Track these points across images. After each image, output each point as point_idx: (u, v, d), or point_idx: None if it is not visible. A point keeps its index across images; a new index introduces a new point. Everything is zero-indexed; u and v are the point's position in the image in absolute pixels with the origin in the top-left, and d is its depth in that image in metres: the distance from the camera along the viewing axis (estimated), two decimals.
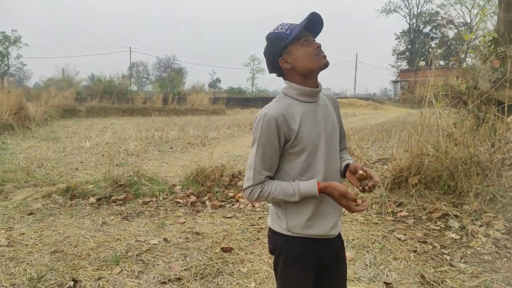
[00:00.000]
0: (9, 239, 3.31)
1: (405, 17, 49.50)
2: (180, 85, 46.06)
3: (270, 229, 1.51)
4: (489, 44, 4.79)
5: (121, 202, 4.34)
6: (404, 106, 32.50)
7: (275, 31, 1.40)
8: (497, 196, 3.72)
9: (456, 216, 3.72)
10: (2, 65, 48.73)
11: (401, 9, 49.53)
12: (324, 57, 1.39)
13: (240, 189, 4.61)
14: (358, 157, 5.14)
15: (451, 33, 44.58)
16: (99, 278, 2.67)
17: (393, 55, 50.42)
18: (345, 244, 3.24)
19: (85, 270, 2.78)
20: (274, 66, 1.44)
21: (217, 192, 4.56)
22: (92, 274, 2.72)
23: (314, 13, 1.35)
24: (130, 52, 44.86)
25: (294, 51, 1.37)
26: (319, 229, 1.43)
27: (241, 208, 4.27)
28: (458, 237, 3.41)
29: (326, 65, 1.39)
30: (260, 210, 4.22)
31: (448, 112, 4.34)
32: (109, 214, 4.04)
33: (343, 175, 1.54)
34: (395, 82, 42.67)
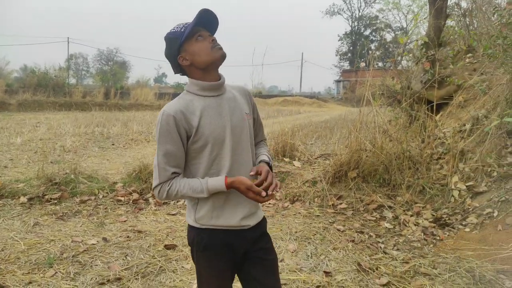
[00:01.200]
0: None
1: (348, 20, 51.79)
2: (124, 79, 44.19)
3: (188, 223, 1.53)
4: (421, 47, 5.17)
5: (55, 201, 4.08)
6: (346, 104, 34.07)
7: (171, 31, 1.43)
8: (426, 188, 4.04)
9: (390, 207, 3.98)
10: None
11: (344, 12, 51.77)
12: (220, 48, 1.41)
13: None
14: (302, 152, 5.30)
15: (388, 37, 47.51)
16: (30, 282, 2.49)
17: (336, 55, 52.55)
18: (288, 236, 3.35)
19: (13, 275, 2.58)
20: (176, 65, 1.46)
21: None
22: (22, 279, 2.53)
23: (204, 9, 1.39)
24: (68, 42, 42.10)
25: (190, 47, 1.40)
26: (228, 220, 1.44)
27: (186, 205, 4.20)
28: (391, 226, 3.65)
29: (223, 56, 1.42)
30: None
31: (384, 110, 4.61)
32: (42, 214, 3.78)
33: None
34: (338, 81, 44.52)
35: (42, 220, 3.62)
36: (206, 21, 1.42)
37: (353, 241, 3.28)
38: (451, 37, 5.73)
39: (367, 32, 50.95)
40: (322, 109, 28.14)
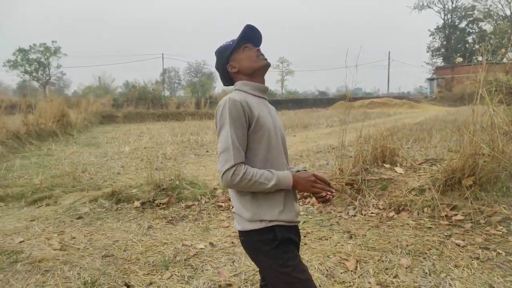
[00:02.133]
0: (61, 243, 3.39)
1: (439, 13, 47.74)
2: (211, 89, 46.67)
3: (243, 232, 1.50)
4: None
5: (164, 206, 4.37)
6: (441, 104, 31.31)
7: (221, 45, 1.61)
8: None
9: None
10: (44, 75, 51.32)
11: (435, 4, 47.84)
12: (265, 59, 1.57)
13: None
14: (403, 157, 4.92)
15: (489, 27, 42.54)
16: (151, 283, 2.67)
17: (427, 52, 48.74)
18: (399, 250, 3.10)
19: (136, 275, 2.79)
20: (225, 75, 1.61)
21: None
22: (143, 279, 2.72)
23: (248, 25, 1.54)
24: (163, 58, 45.92)
25: (237, 56, 1.56)
26: (289, 215, 1.48)
27: None
28: None
29: (267, 65, 1.58)
30: (304, 214, 4.11)
31: (503, 109, 4.05)
32: (154, 218, 4.07)
33: None
34: (430, 79, 41.12)
35: (154, 224, 3.90)
36: (252, 36, 1.59)
37: (477, 258, 2.90)
38: None
39: (462, 25, 46.34)
40: (414, 110, 26.23)
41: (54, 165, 7.34)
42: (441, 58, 46.99)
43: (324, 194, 1.47)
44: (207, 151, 9.45)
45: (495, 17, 41.65)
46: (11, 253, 3.16)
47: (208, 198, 4.54)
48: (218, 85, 55.67)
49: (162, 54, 46.29)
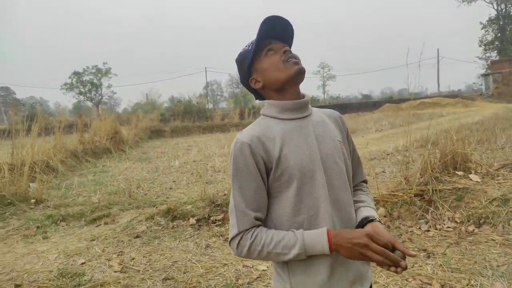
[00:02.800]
0: (121, 264, 3.35)
1: (491, 4, 44.84)
2: (253, 100, 46.97)
3: None
4: None
5: (219, 222, 4.24)
6: (499, 101, 29.12)
7: (240, 51, 1.21)
8: None
9: None
10: (96, 95, 54.50)
11: None
12: (296, 62, 1.12)
13: None
14: (478, 163, 4.43)
15: None
16: None
17: (480, 46, 45.77)
18: (490, 272, 2.70)
19: None
20: (250, 89, 1.25)
21: None
22: None
23: (269, 17, 1.12)
24: (206, 72, 47.00)
25: (259, 65, 1.16)
26: (341, 285, 1.09)
27: None
28: None
29: (299, 72, 1.12)
30: None
31: None
32: (210, 236, 3.95)
33: (358, 227, 1.16)
34: (485, 75, 38.51)
35: (211, 242, 3.77)
36: (277, 31, 1.16)
37: None
38: None
39: None
40: (470, 109, 24.56)
41: (109, 181, 7.54)
42: (496, 51, 43.96)
43: (385, 266, 0.98)
44: None
45: None
46: (74, 276, 3.15)
47: None
48: None
49: (205, 68, 47.44)
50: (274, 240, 1.05)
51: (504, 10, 44.02)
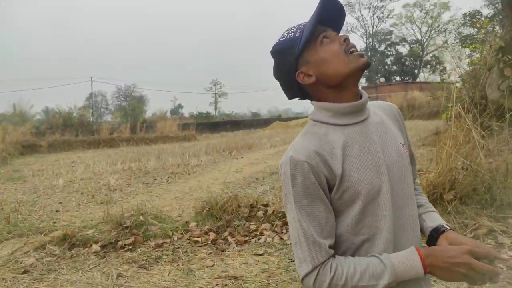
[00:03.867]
0: None
1: (362, 37, 51.93)
2: (142, 114, 44.83)
3: None
4: (496, 53, 4.81)
5: (130, 247, 3.76)
6: None
7: (281, 39, 1.02)
8: None
9: (503, 232, 3.52)
10: None
11: (358, 29, 51.94)
12: (361, 55, 0.96)
13: (261, 220, 4.17)
14: None
15: (404, 50, 47.30)
16: None
17: None
18: None
19: None
20: (292, 86, 1.03)
21: (237, 226, 4.09)
22: None
23: None
24: (92, 82, 43.05)
25: (313, 56, 0.97)
26: None
27: (269, 242, 3.83)
28: None
29: (366, 65, 0.95)
30: (290, 243, 3.79)
31: (477, 124, 4.21)
32: (120, 263, 3.45)
33: (430, 241, 1.04)
34: None
35: (123, 271, 3.29)
36: (331, 15, 0.98)
37: None
38: None
39: (382, 48, 50.90)
40: None
41: None
42: (364, 78, 50.91)
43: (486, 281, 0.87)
44: (155, 179, 8.75)
45: (408, 41, 46.45)
46: None
47: (181, 234, 4.02)
48: (149, 109, 53.80)
49: (91, 77, 43.42)
50: (359, 270, 0.88)
51: (371, 43, 51.38)
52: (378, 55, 47.39)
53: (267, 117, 42.75)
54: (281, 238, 3.88)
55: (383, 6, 47.55)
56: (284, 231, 4.02)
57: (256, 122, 34.43)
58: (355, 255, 0.95)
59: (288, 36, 1.00)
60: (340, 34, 1.00)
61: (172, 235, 3.98)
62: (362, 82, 49.68)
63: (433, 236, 1.03)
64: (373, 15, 48.96)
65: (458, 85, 5.87)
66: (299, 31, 0.98)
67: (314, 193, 0.91)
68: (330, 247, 0.92)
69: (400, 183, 0.98)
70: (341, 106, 0.98)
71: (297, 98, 1.07)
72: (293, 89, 1.04)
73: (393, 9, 47.49)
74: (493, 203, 3.83)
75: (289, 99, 1.08)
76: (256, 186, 7.22)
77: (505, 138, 4.31)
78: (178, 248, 3.76)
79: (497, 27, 6.64)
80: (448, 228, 1.03)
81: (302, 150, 0.92)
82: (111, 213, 4.30)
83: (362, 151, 0.96)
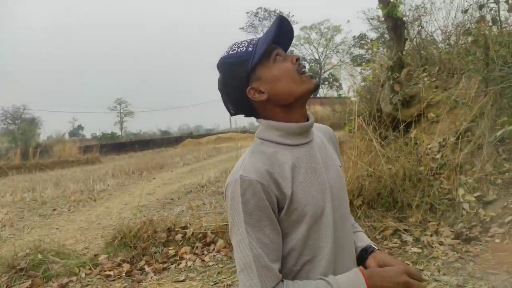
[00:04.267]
0: None
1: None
2: (35, 137, 40.34)
3: None
4: (387, 71, 5.38)
5: None
6: None
7: (230, 52, 0.97)
8: (434, 205, 4.03)
9: (406, 230, 3.87)
10: None
11: None
12: (312, 76, 0.97)
13: (180, 244, 3.96)
14: None
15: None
16: None
17: None
18: None
19: None
20: (239, 101, 0.98)
21: (155, 253, 3.81)
22: None
23: (282, 16, 0.96)
24: None
25: (266, 72, 0.94)
26: None
27: (190, 266, 3.63)
28: (419, 250, 3.51)
29: (316, 88, 0.97)
30: (213, 264, 3.65)
31: (377, 134, 4.61)
32: None
33: (360, 260, 1.08)
34: None
35: None
36: (284, 35, 0.98)
37: None
38: (407, 59, 6.11)
39: None
40: None
41: None
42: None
43: None
44: (54, 209, 7.82)
45: (307, 60, 50.05)
46: None
47: (90, 269, 3.59)
48: (45, 131, 48.67)
49: None
50: None
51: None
52: None
53: (178, 135, 41.87)
54: (203, 260, 3.72)
55: None
56: (205, 252, 3.86)
57: (166, 141, 33.46)
58: (296, 278, 0.92)
59: (238, 50, 0.96)
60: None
61: (79, 271, 3.53)
62: None
63: (363, 256, 1.07)
64: None
65: (355, 99, 6.45)
66: (251, 45, 0.96)
67: (265, 215, 0.87)
68: (279, 271, 0.88)
69: (340, 204, 1.01)
70: (292, 126, 0.97)
71: (244, 116, 1.03)
72: (240, 105, 1.00)
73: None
74: (395, 205, 4.21)
75: (232, 115, 1.05)
76: (171, 207, 6.91)
77: (400, 146, 4.80)
78: (87, 285, 3.34)
79: (384, 49, 7.49)
80: (376, 248, 1.09)
81: (253, 170, 0.88)
82: (3, 254, 3.66)
83: (308, 173, 0.95)
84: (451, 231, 3.68)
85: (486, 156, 3.94)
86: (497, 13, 4.27)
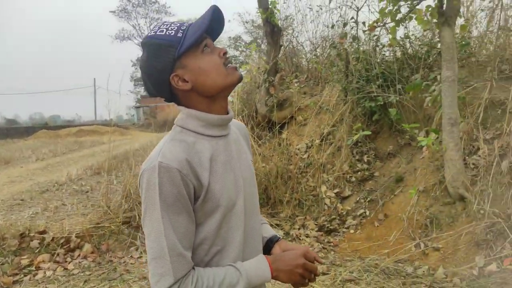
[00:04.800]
0: None
1: (139, 46, 51.39)
2: None
3: None
4: (264, 74, 5.68)
5: None
6: (149, 130, 33.48)
7: (158, 33, 0.94)
8: (302, 201, 4.43)
9: (277, 225, 4.15)
10: None
11: (135, 37, 51.18)
12: (236, 68, 0.98)
13: (37, 251, 3.42)
14: None
15: None
16: None
17: (131, 81, 51.16)
18: None
19: None
20: (161, 85, 0.95)
21: (2, 264, 3.19)
22: None
23: (216, 7, 0.95)
24: None
25: (193, 62, 0.93)
26: None
27: (49, 277, 3.17)
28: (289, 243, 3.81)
29: (240, 79, 0.99)
30: (79, 272, 3.27)
31: (254, 134, 4.80)
32: None
33: (266, 249, 1.14)
34: (137, 107, 43.43)
35: None
36: (215, 25, 0.97)
37: None
38: (281, 65, 6.54)
39: None
40: (126, 137, 26.60)
41: None
42: (143, 87, 50.69)
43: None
44: None
45: None
46: None
47: None
48: None
49: None
50: (217, 281, 0.89)
51: None
52: None
53: (29, 125, 36.29)
54: (65, 269, 3.29)
55: (159, 18, 48.89)
56: (68, 259, 3.43)
57: (14, 131, 28.67)
58: (207, 266, 0.95)
59: (167, 33, 0.93)
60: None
61: None
62: (142, 91, 49.61)
63: (269, 246, 1.14)
64: (149, 25, 49.58)
65: (233, 99, 6.63)
66: (181, 31, 0.93)
67: (181, 203, 0.87)
68: (192, 258, 0.91)
69: (251, 197, 1.05)
70: (214, 117, 0.98)
71: (166, 101, 1.01)
72: (160, 89, 0.97)
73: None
74: (268, 201, 4.48)
75: (152, 96, 1.04)
76: (22, 209, 5.93)
77: (274, 146, 5.13)
78: None
79: (259, 53, 7.89)
80: (280, 238, 1.17)
81: (172, 157, 0.88)
82: None
83: (224, 165, 0.98)
84: (315, 224, 4.11)
85: (343, 157, 4.52)
86: (356, 32, 4.93)
